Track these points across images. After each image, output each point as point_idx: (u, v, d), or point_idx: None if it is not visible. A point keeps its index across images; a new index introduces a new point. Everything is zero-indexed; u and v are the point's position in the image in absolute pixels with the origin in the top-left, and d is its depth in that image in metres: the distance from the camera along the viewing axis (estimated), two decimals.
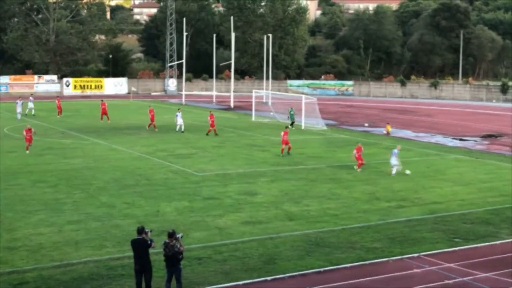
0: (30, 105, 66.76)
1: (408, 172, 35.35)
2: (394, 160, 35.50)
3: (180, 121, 53.27)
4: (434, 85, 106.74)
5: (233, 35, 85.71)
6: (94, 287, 17.91)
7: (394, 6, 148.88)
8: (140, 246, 16.88)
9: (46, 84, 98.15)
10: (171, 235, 16.99)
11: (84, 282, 18.26)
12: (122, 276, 18.65)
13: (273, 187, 31.34)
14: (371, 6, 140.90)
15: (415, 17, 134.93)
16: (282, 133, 41.60)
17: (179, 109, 56.99)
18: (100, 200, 28.07)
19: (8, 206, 26.55)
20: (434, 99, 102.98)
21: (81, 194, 29.19)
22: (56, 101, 67.37)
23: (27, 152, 40.22)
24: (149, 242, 16.90)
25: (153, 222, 24.28)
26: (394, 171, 35.23)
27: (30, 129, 41.45)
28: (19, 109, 62.19)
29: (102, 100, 65.21)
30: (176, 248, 16.86)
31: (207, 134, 51.05)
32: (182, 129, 52.89)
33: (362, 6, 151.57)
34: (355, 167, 36.40)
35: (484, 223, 25.45)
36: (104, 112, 60.86)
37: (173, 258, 16.89)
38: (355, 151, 36.62)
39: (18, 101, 63.33)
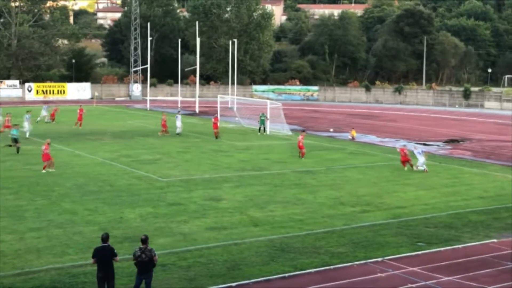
0: (43, 112, 63.24)
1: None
2: (421, 159, 38.61)
3: (178, 123, 54.03)
4: (398, 91, 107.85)
5: (198, 40, 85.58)
6: None
7: (359, 12, 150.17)
8: (105, 253, 16.68)
9: (7, 89, 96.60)
10: (145, 241, 16.87)
11: None
12: (85, 284, 18.40)
13: (238, 193, 31.26)
14: (336, 12, 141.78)
15: (380, 23, 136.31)
16: (300, 137, 42.94)
17: (179, 111, 57.11)
18: (63, 206, 27.67)
19: None
20: (398, 104, 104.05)
21: (43, 201, 28.74)
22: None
23: (44, 171, 35.63)
24: (115, 251, 16.79)
25: (117, 228, 24.02)
26: (421, 167, 38.45)
27: (49, 144, 37.67)
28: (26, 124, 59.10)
29: (80, 106, 63.97)
30: (153, 253, 16.77)
31: (216, 138, 51.89)
32: (179, 131, 53.78)
33: (327, 11, 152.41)
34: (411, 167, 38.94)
35: (446, 227, 25.72)
36: (80, 118, 59.36)
37: (148, 263, 16.77)
38: (399, 151, 39.83)
39: (26, 115, 60.62)
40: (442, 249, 22.73)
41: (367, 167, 40.09)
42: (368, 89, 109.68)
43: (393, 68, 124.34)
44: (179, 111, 57.01)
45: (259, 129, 58.28)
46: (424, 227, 25.66)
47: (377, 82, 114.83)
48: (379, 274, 19.83)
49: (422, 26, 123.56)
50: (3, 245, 21.88)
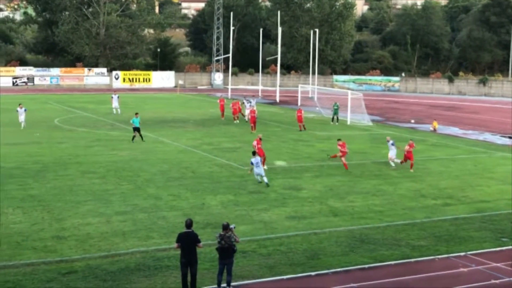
0: (115, 104, 60.65)
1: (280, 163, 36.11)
2: (394, 150, 36.36)
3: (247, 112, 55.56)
4: (483, 82, 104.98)
5: (279, 29, 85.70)
6: (140, 278, 18.23)
7: (443, 1, 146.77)
8: (189, 239, 17.09)
9: (96, 76, 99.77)
10: (226, 227, 17.25)
11: (130, 273, 18.59)
12: (168, 268, 18.92)
13: (317, 183, 31.33)
14: (419, 2, 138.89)
15: (465, 13, 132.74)
16: (407, 147, 35.85)
17: (251, 96, 58.53)
18: (147, 191, 28.48)
19: (57, 196, 27.17)
20: (482, 96, 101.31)
21: (129, 185, 29.66)
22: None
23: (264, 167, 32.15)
24: (198, 237, 17.18)
25: (199, 214, 24.54)
26: (396, 160, 36.30)
27: (261, 139, 35.26)
28: (115, 103, 60.28)
29: (220, 96, 64.92)
30: (232, 239, 17.14)
31: (300, 130, 51.25)
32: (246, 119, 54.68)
33: (410, 1, 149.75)
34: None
35: None
36: (222, 109, 58.74)
37: (228, 249, 17.17)
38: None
39: (113, 95, 62.04)
40: None
41: (449, 160, 39.36)
42: (451, 80, 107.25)
43: (478, 59, 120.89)
44: (251, 96, 57.73)
45: (332, 118, 57.99)
46: (509, 222, 25.05)
47: (461, 73, 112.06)
48: (461, 269, 19.55)
49: (510, 16, 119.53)
50: (90, 228, 22.77)
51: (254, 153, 31.45)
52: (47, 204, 25.91)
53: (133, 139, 42.75)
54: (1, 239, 21.28)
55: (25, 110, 49.00)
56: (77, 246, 20.83)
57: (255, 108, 54.29)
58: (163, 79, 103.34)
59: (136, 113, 44.55)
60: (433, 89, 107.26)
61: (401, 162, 35.95)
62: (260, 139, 35.38)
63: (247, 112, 55.95)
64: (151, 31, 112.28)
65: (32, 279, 18.01)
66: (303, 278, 18.61)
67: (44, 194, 27.52)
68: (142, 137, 43.13)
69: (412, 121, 61.95)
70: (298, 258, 20.15)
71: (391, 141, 36.75)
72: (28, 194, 27.43)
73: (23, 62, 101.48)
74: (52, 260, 19.42)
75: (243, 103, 59.71)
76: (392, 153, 36.26)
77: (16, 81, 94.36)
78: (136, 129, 43.03)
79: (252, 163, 30.19)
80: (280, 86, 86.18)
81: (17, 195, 27.26)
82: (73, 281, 17.96)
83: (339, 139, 37.26)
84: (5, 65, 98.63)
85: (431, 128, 55.36)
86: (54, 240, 21.27)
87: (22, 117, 48.63)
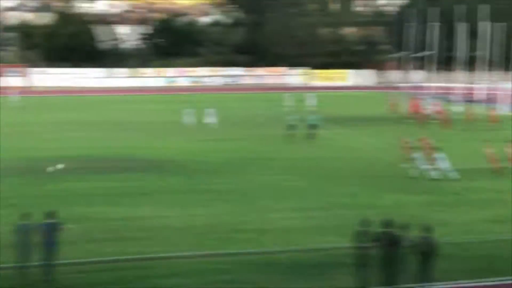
0: (311, 102, 60.97)
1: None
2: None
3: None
4: None
5: (481, 25, 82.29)
6: (339, 275, 18.50)
7: None
8: (388, 240, 17.22)
9: (295, 76, 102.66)
10: (425, 229, 17.15)
11: (329, 268, 19.09)
12: (364, 266, 18.94)
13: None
14: None
15: None
16: None
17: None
18: (341, 190, 28.94)
19: (259, 191, 28.70)
20: None
21: (324, 183, 30.35)
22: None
23: None
24: (416, 239, 17.21)
25: (395, 215, 23.65)
26: None
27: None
28: (311, 102, 60.93)
29: (414, 95, 65.67)
30: (429, 241, 16.96)
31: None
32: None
33: None
34: None
35: None
36: (414, 108, 58.46)
37: (424, 252, 16.98)
38: None
39: (308, 93, 63.40)
40: None
41: None
42: None
43: None
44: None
45: None
46: None
47: None
48: None
49: None
50: (290, 222, 23.74)
51: (436, 149, 32.67)
52: (250, 198, 27.37)
53: (310, 136, 43.20)
54: (209, 230, 22.79)
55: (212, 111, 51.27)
56: (277, 239, 21.75)
57: (442, 107, 52.73)
58: (360, 77, 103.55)
59: (313, 112, 45.83)
60: None
61: None
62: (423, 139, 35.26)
63: (432, 110, 54.97)
64: (349, 29, 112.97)
65: (239, 268, 19.13)
66: (506, 285, 17.97)
67: (247, 189, 29.09)
68: (312, 136, 43.32)
69: None
70: (501, 264, 19.34)
71: None
72: (232, 188, 29.13)
73: (229, 63, 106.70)
74: (256, 251, 20.49)
75: (426, 101, 58.68)
76: None
77: (223, 81, 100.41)
78: (312, 127, 43.60)
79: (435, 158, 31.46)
80: (479, 83, 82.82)
81: (222, 188, 29.05)
82: (273, 272, 18.77)
83: None
84: (213, 66, 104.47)
85: None
86: (257, 233, 22.39)
87: (210, 119, 50.75)
